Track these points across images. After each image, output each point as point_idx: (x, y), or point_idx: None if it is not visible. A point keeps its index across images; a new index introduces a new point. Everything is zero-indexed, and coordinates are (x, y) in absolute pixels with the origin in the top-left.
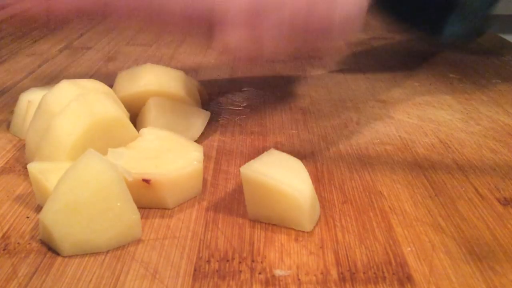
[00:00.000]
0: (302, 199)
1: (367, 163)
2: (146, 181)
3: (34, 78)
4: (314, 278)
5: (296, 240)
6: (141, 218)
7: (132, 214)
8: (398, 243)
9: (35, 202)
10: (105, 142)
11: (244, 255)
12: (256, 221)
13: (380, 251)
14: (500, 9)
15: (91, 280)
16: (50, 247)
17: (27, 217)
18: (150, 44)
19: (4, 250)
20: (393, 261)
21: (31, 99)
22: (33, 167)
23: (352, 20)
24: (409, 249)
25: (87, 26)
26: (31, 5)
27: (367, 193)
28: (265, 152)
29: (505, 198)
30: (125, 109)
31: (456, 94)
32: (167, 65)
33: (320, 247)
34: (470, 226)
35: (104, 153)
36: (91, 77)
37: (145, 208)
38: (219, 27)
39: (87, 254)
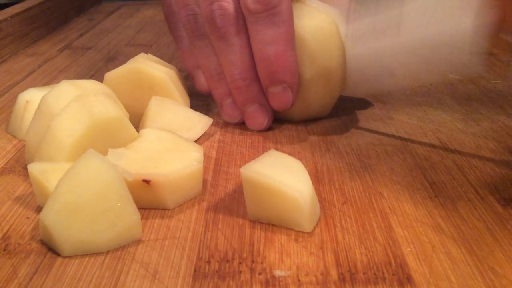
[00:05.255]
0: (302, 200)
1: (367, 164)
2: (146, 181)
3: (34, 78)
4: (314, 278)
5: (296, 240)
6: (141, 218)
7: (132, 214)
8: (398, 243)
9: (35, 203)
10: (105, 143)
11: (244, 255)
12: (256, 222)
13: (380, 251)
14: None
15: (91, 280)
16: (50, 248)
17: (27, 218)
18: (150, 44)
19: (4, 250)
20: (393, 261)
21: (29, 99)
22: (33, 168)
23: None
24: (409, 249)
25: (87, 26)
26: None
27: (367, 194)
28: (265, 153)
29: (504, 199)
30: (125, 110)
31: (456, 95)
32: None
33: (320, 248)
34: (470, 226)
35: (104, 153)
36: (91, 77)
37: (145, 208)
38: None
39: (87, 254)
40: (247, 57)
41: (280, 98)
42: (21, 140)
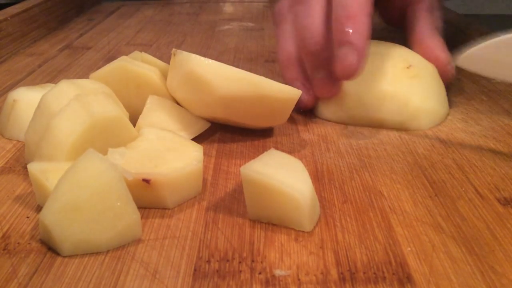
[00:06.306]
0: (302, 199)
1: (367, 163)
2: (146, 181)
3: (34, 78)
4: (314, 278)
5: (296, 240)
6: (141, 218)
7: (132, 214)
8: (398, 243)
9: (35, 202)
10: (105, 142)
11: (244, 255)
12: (256, 221)
13: (380, 251)
14: (500, 9)
15: (91, 280)
16: (50, 247)
17: (27, 217)
18: (150, 44)
19: (4, 250)
20: (393, 261)
21: (16, 98)
22: (33, 167)
23: None
24: (409, 249)
25: (87, 26)
26: None
27: (367, 193)
28: (265, 152)
29: (505, 198)
30: (124, 109)
31: (456, 94)
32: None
33: (320, 247)
34: (470, 226)
35: (104, 153)
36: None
37: (145, 208)
38: None
39: (87, 254)
40: (322, 22)
41: (344, 60)
42: (19, 141)
